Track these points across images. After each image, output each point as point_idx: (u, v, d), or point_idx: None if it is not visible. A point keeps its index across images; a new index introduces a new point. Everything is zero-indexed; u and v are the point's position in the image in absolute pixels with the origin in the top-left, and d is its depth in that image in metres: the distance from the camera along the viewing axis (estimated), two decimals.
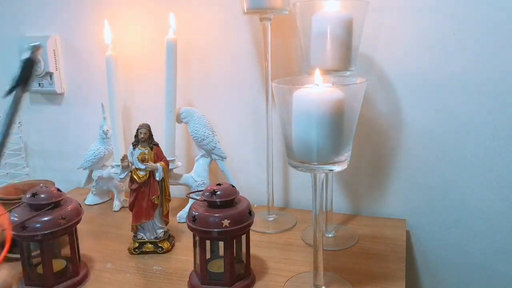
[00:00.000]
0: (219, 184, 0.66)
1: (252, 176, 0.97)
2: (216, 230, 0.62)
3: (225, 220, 0.62)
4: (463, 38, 0.80)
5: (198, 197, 0.68)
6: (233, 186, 0.67)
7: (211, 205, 0.65)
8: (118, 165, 0.87)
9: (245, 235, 0.66)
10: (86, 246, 0.78)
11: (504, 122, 0.81)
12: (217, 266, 0.67)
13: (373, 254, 0.75)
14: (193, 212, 0.64)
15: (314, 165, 0.56)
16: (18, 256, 0.68)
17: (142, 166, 0.76)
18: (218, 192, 0.64)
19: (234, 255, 0.65)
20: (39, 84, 1.08)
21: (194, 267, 0.68)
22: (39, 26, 1.07)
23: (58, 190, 0.68)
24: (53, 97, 1.11)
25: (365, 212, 0.93)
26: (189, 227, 0.65)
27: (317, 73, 0.57)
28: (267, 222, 0.88)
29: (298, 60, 0.89)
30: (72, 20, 1.05)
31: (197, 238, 0.66)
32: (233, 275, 0.65)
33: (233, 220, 0.63)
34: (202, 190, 0.69)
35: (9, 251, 0.74)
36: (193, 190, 0.87)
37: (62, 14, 1.05)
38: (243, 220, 0.64)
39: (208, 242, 0.67)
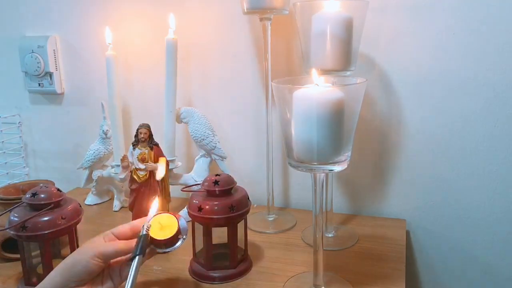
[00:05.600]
0: (218, 175, 0.69)
1: (252, 176, 0.97)
2: (222, 216, 0.65)
3: (230, 206, 0.66)
4: (463, 38, 0.80)
5: (197, 189, 0.70)
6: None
7: (212, 194, 0.67)
8: (118, 165, 0.87)
9: (243, 221, 0.70)
10: None
11: (504, 121, 0.81)
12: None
13: (373, 254, 0.75)
14: (196, 202, 0.67)
15: (314, 165, 0.56)
16: (18, 256, 0.69)
17: (142, 166, 0.76)
18: (219, 182, 0.68)
19: (237, 240, 0.69)
20: (39, 84, 1.08)
21: (195, 256, 0.71)
22: (39, 26, 1.07)
23: (58, 190, 0.68)
24: (53, 97, 1.11)
25: (365, 212, 0.93)
26: (194, 217, 0.67)
27: (314, 73, 0.57)
28: (267, 222, 0.88)
29: (298, 60, 0.89)
30: (72, 20, 1.05)
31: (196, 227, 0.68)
32: (236, 259, 0.69)
33: (238, 206, 0.67)
34: (196, 184, 0.72)
35: (9, 251, 0.74)
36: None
37: (62, 14, 1.05)
38: (244, 206, 0.68)
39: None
